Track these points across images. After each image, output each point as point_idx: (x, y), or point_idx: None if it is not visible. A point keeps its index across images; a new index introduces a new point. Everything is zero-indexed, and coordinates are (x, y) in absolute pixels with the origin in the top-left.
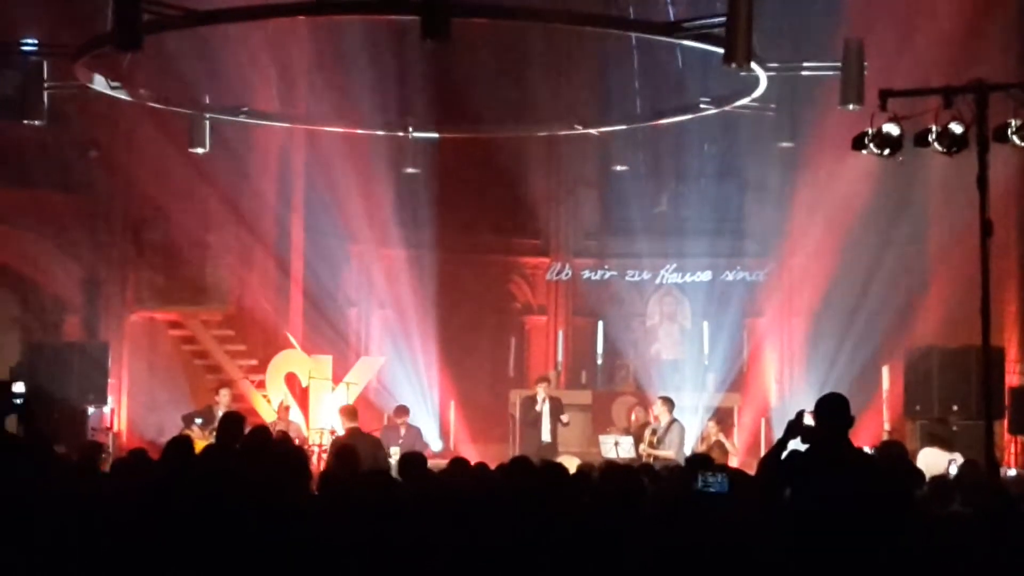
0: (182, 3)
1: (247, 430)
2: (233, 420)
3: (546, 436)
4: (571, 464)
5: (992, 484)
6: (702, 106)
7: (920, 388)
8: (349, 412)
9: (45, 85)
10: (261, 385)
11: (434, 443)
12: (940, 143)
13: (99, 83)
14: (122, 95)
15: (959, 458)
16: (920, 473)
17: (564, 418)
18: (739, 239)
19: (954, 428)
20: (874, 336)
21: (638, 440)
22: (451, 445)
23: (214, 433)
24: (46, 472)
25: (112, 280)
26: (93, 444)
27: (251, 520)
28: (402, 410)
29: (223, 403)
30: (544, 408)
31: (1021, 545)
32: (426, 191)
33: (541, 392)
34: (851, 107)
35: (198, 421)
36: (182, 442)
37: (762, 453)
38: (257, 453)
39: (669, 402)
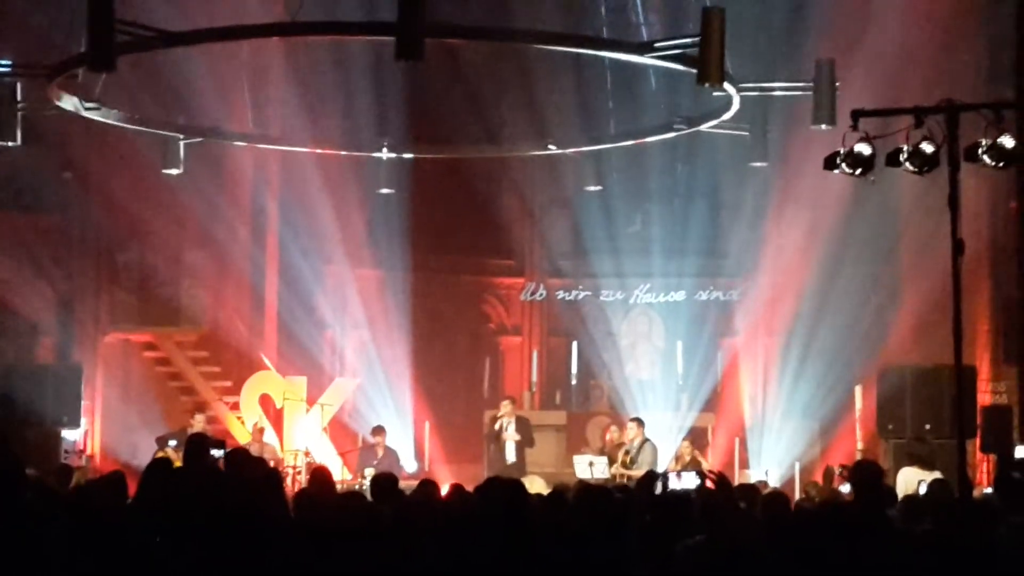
0: (156, 24)
1: (223, 452)
2: (199, 441)
3: (511, 456)
4: (534, 484)
5: (964, 503)
6: (675, 127)
7: (893, 407)
8: None
9: (18, 106)
10: (235, 407)
11: (409, 464)
12: (911, 163)
13: (73, 104)
14: (96, 116)
15: (932, 477)
16: (893, 493)
17: (514, 436)
18: (712, 259)
19: (930, 447)
20: (847, 355)
21: (612, 460)
22: (426, 466)
23: None
24: (18, 495)
25: (86, 302)
26: (64, 467)
27: (227, 541)
28: (379, 430)
29: (198, 427)
30: (510, 428)
31: (989, 563)
32: (400, 212)
33: (504, 410)
34: (823, 127)
35: (172, 443)
36: (164, 464)
37: (736, 472)
38: (236, 473)
39: (640, 423)
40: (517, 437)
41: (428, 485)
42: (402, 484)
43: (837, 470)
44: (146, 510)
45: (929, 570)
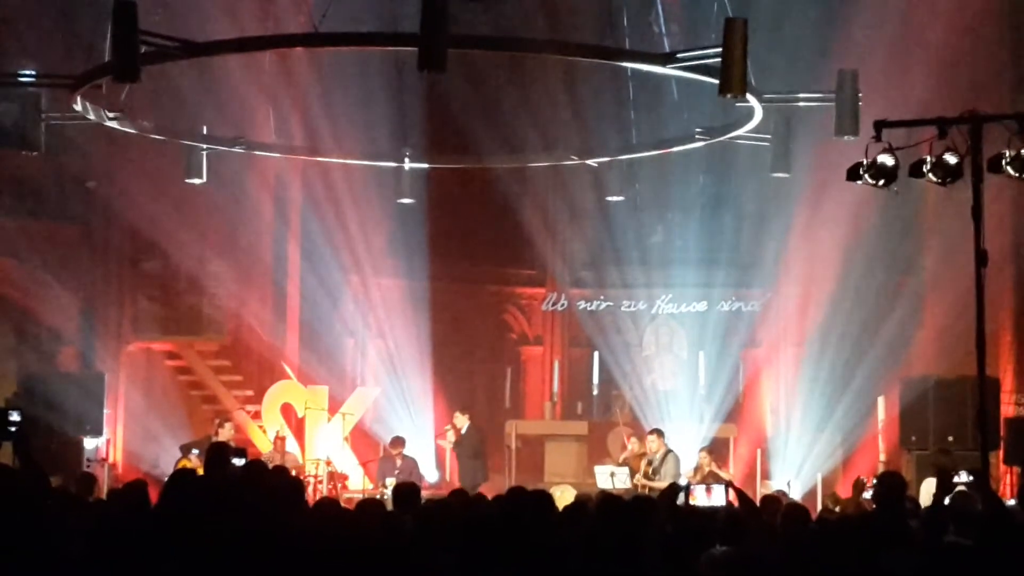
0: (180, 34)
1: (244, 461)
2: (220, 450)
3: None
4: (565, 494)
5: (988, 514)
6: (698, 137)
7: (916, 419)
8: None
9: (43, 115)
10: (257, 416)
11: (430, 474)
12: (935, 174)
13: (97, 114)
14: (120, 126)
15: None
16: (916, 503)
17: (448, 441)
18: (734, 270)
19: (953, 458)
20: (869, 366)
21: (634, 471)
22: (447, 476)
23: None
24: (41, 502)
25: (108, 310)
26: (86, 475)
27: (248, 551)
28: (398, 441)
29: (224, 436)
30: (452, 436)
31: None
32: (422, 222)
33: (458, 422)
34: (846, 138)
35: (195, 452)
36: (187, 474)
37: (758, 484)
38: (256, 483)
39: (660, 434)
40: (448, 446)
41: (458, 494)
42: (423, 494)
43: (868, 482)
44: (167, 519)
45: None
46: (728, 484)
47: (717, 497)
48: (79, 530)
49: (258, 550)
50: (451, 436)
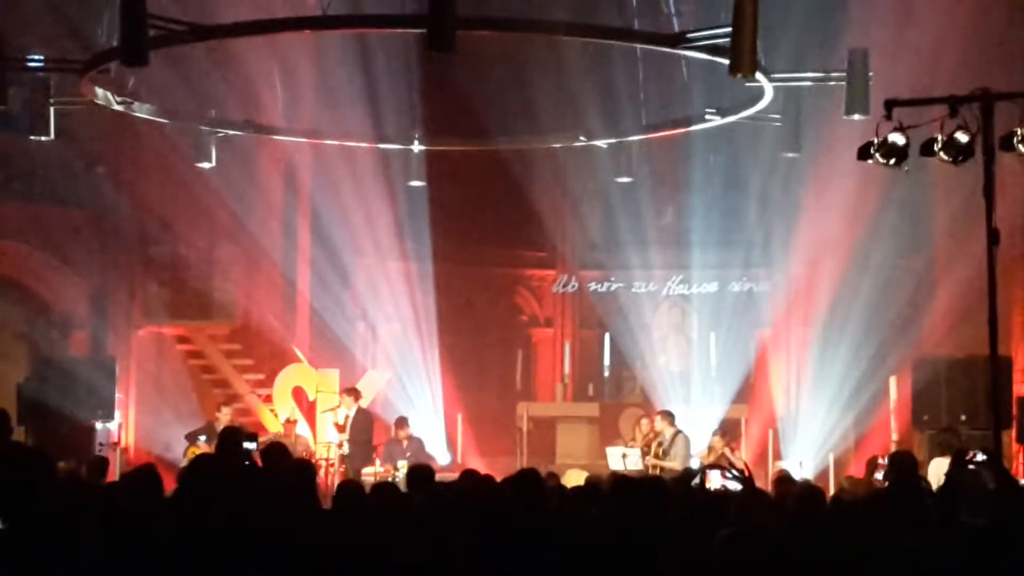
0: (188, 18)
1: (256, 446)
2: (231, 435)
3: (346, 448)
4: (574, 477)
5: (1002, 493)
6: (708, 117)
7: (928, 398)
8: None
9: (51, 101)
10: (268, 399)
11: (441, 456)
12: (946, 152)
13: (106, 99)
14: (128, 110)
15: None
16: (927, 484)
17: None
18: (745, 250)
19: (963, 437)
20: (881, 346)
21: (645, 452)
22: (458, 458)
23: None
24: (46, 489)
25: (119, 295)
26: (99, 459)
27: (260, 534)
28: (402, 422)
29: (224, 421)
30: (348, 424)
31: None
32: (432, 204)
33: (345, 405)
34: (856, 117)
35: (202, 439)
36: (208, 459)
37: (770, 464)
38: (274, 467)
39: (669, 415)
40: (341, 432)
41: (469, 475)
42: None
43: (881, 461)
44: (182, 503)
45: (966, 559)
46: (737, 468)
47: (731, 479)
48: (90, 514)
49: (274, 534)
50: (337, 417)
